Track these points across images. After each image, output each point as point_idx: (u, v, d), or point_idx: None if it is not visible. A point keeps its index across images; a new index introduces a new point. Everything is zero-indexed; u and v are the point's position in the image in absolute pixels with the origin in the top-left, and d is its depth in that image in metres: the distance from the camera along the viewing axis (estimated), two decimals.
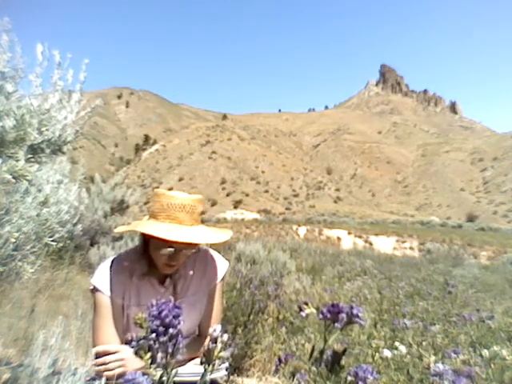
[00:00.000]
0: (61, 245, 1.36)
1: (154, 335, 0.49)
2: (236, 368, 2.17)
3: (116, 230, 1.13)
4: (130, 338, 0.52)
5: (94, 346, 1.06)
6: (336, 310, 0.60)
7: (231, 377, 2.04)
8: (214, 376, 1.16)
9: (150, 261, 1.12)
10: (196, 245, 1.12)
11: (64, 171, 1.49)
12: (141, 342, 0.50)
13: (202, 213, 1.14)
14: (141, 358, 0.50)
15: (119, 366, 0.93)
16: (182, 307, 0.53)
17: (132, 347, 0.52)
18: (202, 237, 1.06)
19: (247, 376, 2.16)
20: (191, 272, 1.20)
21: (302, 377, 0.82)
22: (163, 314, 0.49)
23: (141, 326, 0.52)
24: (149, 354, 0.50)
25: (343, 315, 0.60)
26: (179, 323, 0.51)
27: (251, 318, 2.47)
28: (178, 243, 1.02)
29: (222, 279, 1.27)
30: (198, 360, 1.16)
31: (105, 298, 1.08)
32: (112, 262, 1.14)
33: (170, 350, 0.50)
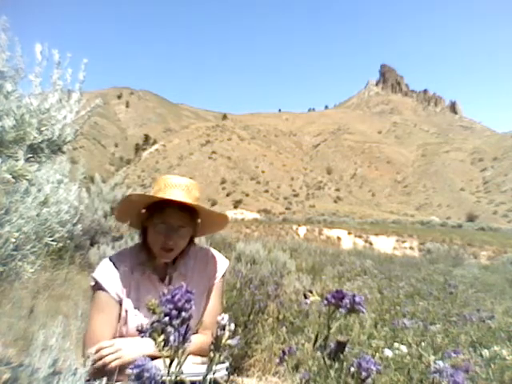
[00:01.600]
0: (61, 245, 1.36)
1: (167, 319, 0.51)
2: (236, 368, 2.17)
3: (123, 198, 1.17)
4: (139, 328, 0.53)
5: (87, 336, 1.07)
6: (340, 295, 0.63)
7: (231, 377, 2.04)
8: (214, 376, 1.16)
9: (149, 252, 1.15)
10: (192, 223, 1.14)
11: (64, 171, 1.49)
12: (154, 325, 0.52)
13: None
14: (154, 340, 0.51)
15: (116, 358, 0.94)
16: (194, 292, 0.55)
17: (142, 337, 0.54)
18: (196, 202, 1.12)
19: (247, 376, 2.16)
20: (191, 270, 1.22)
21: (305, 376, 0.83)
22: (176, 297, 0.51)
23: (153, 312, 0.53)
24: (162, 337, 0.51)
25: (347, 300, 0.62)
26: (191, 307, 0.53)
27: (251, 317, 2.47)
28: (173, 204, 1.07)
29: (223, 276, 1.28)
30: (197, 359, 1.16)
31: (104, 292, 1.11)
32: (115, 256, 1.17)
33: (182, 333, 0.52)
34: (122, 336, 1.15)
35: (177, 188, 1.10)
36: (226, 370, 1.10)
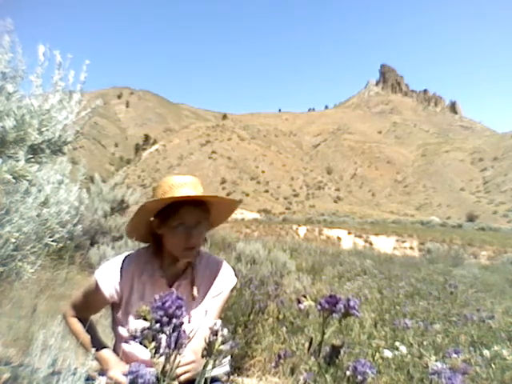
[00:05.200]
0: (61, 245, 1.36)
1: (157, 325, 0.50)
2: (236, 368, 2.17)
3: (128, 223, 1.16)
4: (133, 333, 0.53)
5: (70, 304, 1.19)
6: (334, 300, 0.62)
7: (231, 377, 2.04)
8: (218, 372, 1.17)
9: (162, 261, 1.15)
10: (207, 217, 1.14)
11: (64, 171, 1.49)
12: (145, 332, 0.51)
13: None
14: (145, 347, 0.51)
15: None
16: (184, 299, 0.54)
17: (135, 341, 0.53)
18: (209, 194, 1.11)
19: (247, 376, 2.16)
20: (200, 279, 1.20)
21: (308, 376, 0.82)
22: (167, 304, 0.51)
23: (145, 319, 0.53)
24: (153, 344, 0.51)
25: (341, 305, 0.61)
26: (182, 314, 0.52)
27: (251, 317, 2.47)
28: (187, 202, 1.07)
29: (229, 291, 1.26)
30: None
31: (99, 292, 1.12)
32: (128, 257, 1.17)
33: (173, 340, 0.51)
34: (120, 337, 1.15)
35: (184, 187, 1.10)
36: (229, 364, 1.10)
